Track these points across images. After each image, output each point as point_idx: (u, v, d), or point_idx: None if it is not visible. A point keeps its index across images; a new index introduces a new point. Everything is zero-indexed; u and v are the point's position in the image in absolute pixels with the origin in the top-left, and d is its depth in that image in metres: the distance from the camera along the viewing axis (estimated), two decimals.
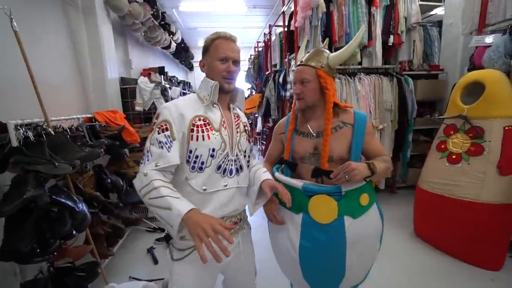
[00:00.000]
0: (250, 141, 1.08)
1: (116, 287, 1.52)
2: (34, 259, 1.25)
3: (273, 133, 1.25)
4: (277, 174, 1.11)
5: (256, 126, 6.15)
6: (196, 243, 0.67)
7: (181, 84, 5.68)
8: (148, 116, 2.91)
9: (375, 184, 3.01)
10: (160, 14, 3.86)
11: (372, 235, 1.01)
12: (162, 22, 4.16)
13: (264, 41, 4.67)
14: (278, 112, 3.97)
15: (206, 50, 0.94)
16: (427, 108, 3.33)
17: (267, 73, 4.50)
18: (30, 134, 1.29)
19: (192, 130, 0.86)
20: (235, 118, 1.00)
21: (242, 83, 7.31)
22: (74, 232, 1.38)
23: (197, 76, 8.90)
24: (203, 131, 0.87)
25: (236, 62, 0.93)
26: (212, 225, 0.69)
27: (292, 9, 2.90)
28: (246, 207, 1.03)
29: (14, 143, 1.24)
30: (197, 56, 8.33)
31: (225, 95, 0.97)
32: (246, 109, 5.56)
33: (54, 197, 1.33)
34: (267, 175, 1.01)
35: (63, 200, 1.35)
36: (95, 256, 1.69)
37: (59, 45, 2.07)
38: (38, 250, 1.27)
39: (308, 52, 1.10)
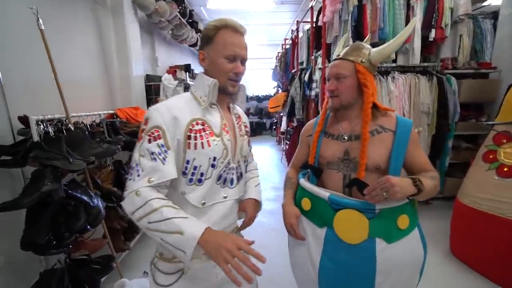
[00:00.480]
0: (250, 144, 0.99)
1: (127, 282, 1.54)
2: (50, 251, 1.28)
3: (300, 136, 1.15)
4: (302, 181, 1.01)
5: (280, 125, 6.03)
6: (223, 267, 0.61)
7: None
8: None
9: None
10: (187, 12, 3.90)
11: (409, 266, 0.87)
12: (190, 20, 4.21)
13: (292, 38, 4.51)
14: (303, 112, 3.82)
15: (208, 40, 0.79)
16: (472, 111, 2.94)
17: (293, 71, 4.35)
18: (50, 129, 1.33)
19: (189, 137, 0.75)
20: (236, 120, 0.89)
21: (269, 81, 7.24)
22: (88, 226, 1.40)
23: None
24: (202, 138, 0.76)
25: (244, 61, 0.82)
26: (237, 244, 0.62)
27: (321, 4, 2.73)
28: None
29: (35, 137, 1.29)
30: None
31: (226, 95, 0.85)
32: (271, 108, 5.46)
33: (70, 191, 1.36)
34: (255, 192, 0.94)
35: (78, 195, 1.38)
36: (111, 250, 1.73)
37: (88, 44, 2.15)
38: (54, 243, 1.31)
39: (346, 47, 0.98)
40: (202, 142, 0.75)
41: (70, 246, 1.39)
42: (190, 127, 0.75)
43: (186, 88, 3.11)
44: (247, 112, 8.94)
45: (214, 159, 0.78)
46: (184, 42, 4.20)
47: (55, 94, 1.56)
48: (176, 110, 0.75)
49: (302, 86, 3.66)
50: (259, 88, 9.09)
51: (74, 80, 1.93)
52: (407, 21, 2.42)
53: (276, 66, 6.02)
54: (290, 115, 4.19)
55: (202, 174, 0.77)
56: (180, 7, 3.49)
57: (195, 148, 0.75)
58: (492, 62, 2.85)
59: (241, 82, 0.85)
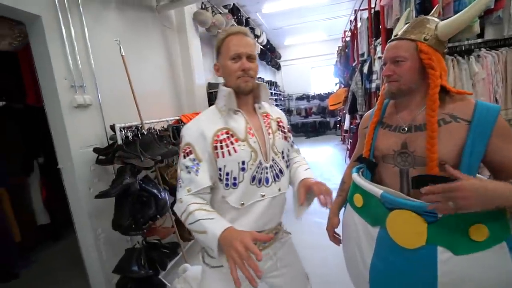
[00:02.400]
0: (289, 138, 0.98)
1: (188, 267, 1.74)
2: (130, 232, 1.59)
3: (358, 129, 1.08)
4: (355, 175, 0.94)
5: (344, 122, 5.67)
6: (230, 265, 0.64)
7: (266, 85, 5.93)
8: None
9: None
10: (244, 20, 4.13)
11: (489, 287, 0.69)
12: (247, 27, 4.44)
13: (351, 29, 4.21)
14: (365, 107, 3.50)
15: (218, 51, 0.87)
16: None
17: (354, 64, 4.05)
18: (129, 134, 1.65)
19: (215, 148, 0.82)
20: (263, 119, 0.91)
21: (331, 78, 6.91)
22: (157, 215, 1.67)
23: (284, 76, 9.02)
24: (227, 146, 0.82)
25: (251, 57, 0.84)
26: (244, 243, 0.64)
27: None
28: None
29: (119, 141, 1.62)
30: (284, 55, 8.44)
31: (246, 96, 0.88)
32: (331, 106, 5.20)
33: (144, 185, 1.65)
34: (307, 174, 0.92)
35: (150, 188, 1.66)
36: (178, 238, 1.99)
37: (158, 60, 2.55)
38: (133, 226, 1.61)
39: (407, 24, 0.85)
40: (228, 150, 0.81)
41: (145, 231, 1.67)
42: (216, 138, 0.82)
43: None
44: (309, 111, 8.75)
45: (243, 163, 0.82)
46: None
47: (134, 105, 1.93)
48: (203, 125, 0.84)
49: (363, 79, 3.37)
50: (321, 86, 8.77)
51: (148, 92, 2.32)
52: None
53: (336, 61, 5.71)
54: (352, 111, 3.90)
55: (235, 179, 0.82)
56: (236, 17, 3.73)
57: (223, 156, 0.81)
58: None
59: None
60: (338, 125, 7.82)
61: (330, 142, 7.10)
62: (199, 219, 0.73)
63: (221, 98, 0.86)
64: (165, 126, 2.09)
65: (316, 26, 6.46)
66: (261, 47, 5.63)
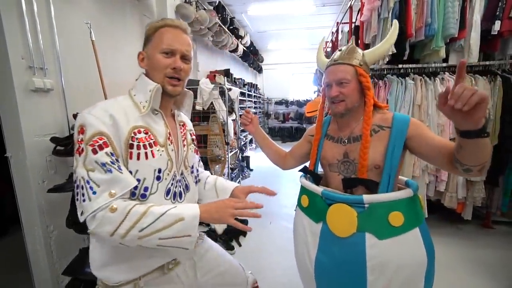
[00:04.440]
0: (198, 152, 0.95)
1: None
2: (87, 231, 1.46)
3: (304, 133, 1.20)
4: (302, 179, 1.07)
5: None
6: (231, 222, 0.64)
7: (247, 86, 5.92)
8: (206, 115, 3.11)
9: (458, 211, 2.37)
10: (228, 19, 4.09)
11: (406, 268, 0.81)
12: (231, 27, 4.40)
13: (332, 40, 4.36)
14: None
15: (147, 39, 0.75)
16: None
17: None
18: None
19: (131, 146, 0.66)
20: (180, 128, 0.83)
21: (310, 86, 7.08)
22: None
23: (265, 79, 9.09)
24: (145, 147, 0.68)
25: (186, 57, 0.74)
26: (233, 203, 0.67)
27: (361, 3, 2.58)
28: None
29: None
30: (266, 59, 8.51)
31: (170, 98, 0.78)
32: (308, 112, 5.31)
33: None
34: (234, 183, 0.95)
35: None
36: None
37: (135, 51, 2.40)
38: None
39: (339, 51, 0.98)
40: (146, 152, 0.68)
41: None
42: (132, 134, 0.67)
43: (222, 91, 3.24)
44: (287, 117, 8.89)
45: (159, 171, 0.70)
46: (224, 48, 4.40)
47: (103, 95, 1.80)
48: (116, 115, 0.67)
49: None
50: (300, 93, 8.96)
51: (120, 83, 2.18)
52: (463, 14, 2.12)
53: (316, 69, 5.87)
54: None
55: (146, 189, 0.68)
56: (220, 15, 3.67)
57: (138, 159, 0.67)
58: None
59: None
60: None
61: None
62: (166, 211, 0.62)
63: (144, 92, 0.72)
64: None
65: (300, 34, 6.60)
66: (244, 48, 5.61)
